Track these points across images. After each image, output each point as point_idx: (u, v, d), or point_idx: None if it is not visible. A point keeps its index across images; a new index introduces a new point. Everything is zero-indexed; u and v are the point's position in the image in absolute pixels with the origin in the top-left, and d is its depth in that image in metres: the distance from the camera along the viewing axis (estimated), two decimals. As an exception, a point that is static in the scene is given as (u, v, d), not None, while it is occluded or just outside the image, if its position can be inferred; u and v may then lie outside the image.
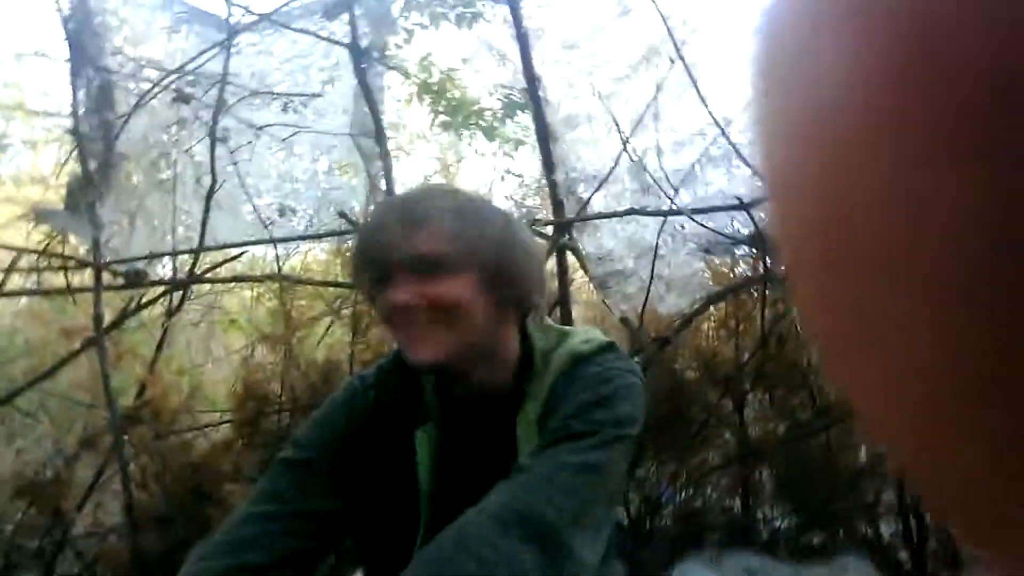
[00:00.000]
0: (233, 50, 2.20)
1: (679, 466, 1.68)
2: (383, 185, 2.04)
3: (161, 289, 1.80)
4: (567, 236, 1.74)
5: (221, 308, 1.98)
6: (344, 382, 0.94)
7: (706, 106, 1.66)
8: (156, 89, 2.08)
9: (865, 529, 1.79)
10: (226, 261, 1.91)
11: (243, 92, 2.21)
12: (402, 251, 0.74)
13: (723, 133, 1.64)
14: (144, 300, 1.76)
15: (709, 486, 1.82)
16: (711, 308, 1.65)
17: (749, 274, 1.76)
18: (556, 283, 1.73)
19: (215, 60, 2.19)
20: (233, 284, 1.90)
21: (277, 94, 2.30)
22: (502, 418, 0.80)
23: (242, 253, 1.99)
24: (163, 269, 1.97)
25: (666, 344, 1.65)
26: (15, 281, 1.73)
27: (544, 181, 1.82)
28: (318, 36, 2.24)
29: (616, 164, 1.73)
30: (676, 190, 1.66)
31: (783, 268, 0.09)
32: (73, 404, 1.63)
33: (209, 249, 1.86)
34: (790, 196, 0.08)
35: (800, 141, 0.08)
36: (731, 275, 1.75)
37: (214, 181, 1.88)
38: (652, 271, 1.58)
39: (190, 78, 2.19)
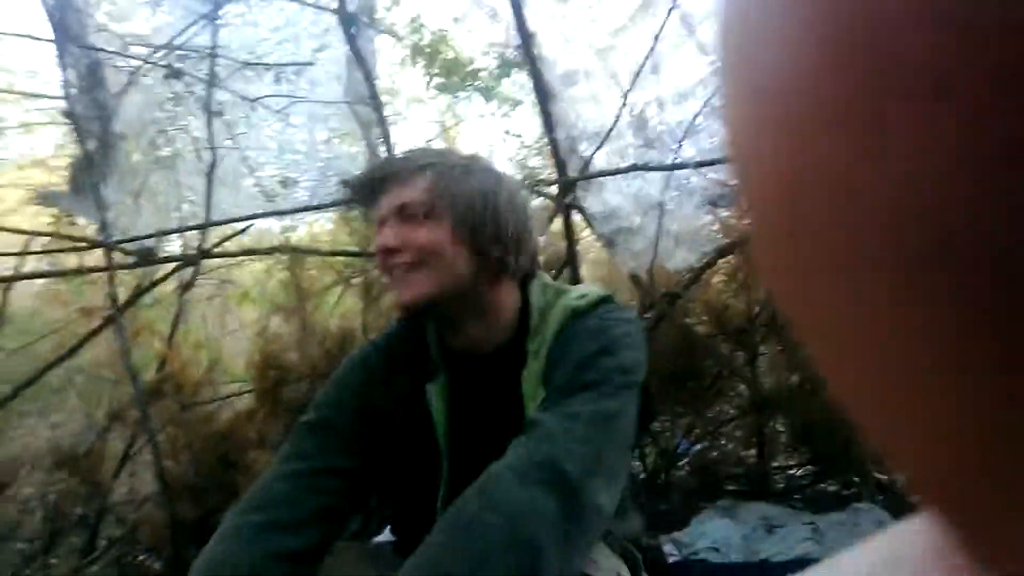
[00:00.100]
0: (220, 22, 2.15)
1: (694, 418, 1.71)
2: (383, 151, 2.03)
3: (173, 265, 1.81)
4: (572, 195, 1.74)
5: (232, 282, 2.00)
6: (358, 347, 0.98)
7: (706, 55, 1.63)
8: (147, 66, 2.05)
9: (879, 476, 1.80)
10: (235, 235, 1.92)
11: (234, 65, 2.17)
12: (391, 200, 0.81)
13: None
14: (157, 277, 1.78)
15: (724, 437, 1.84)
16: (720, 261, 1.65)
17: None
18: (564, 243, 1.73)
19: (203, 33, 2.15)
20: (243, 258, 1.91)
21: (269, 65, 2.27)
22: (506, 375, 0.83)
23: (249, 226, 2.00)
24: (171, 246, 1.99)
25: (676, 299, 1.66)
26: (30, 263, 1.75)
27: (545, 140, 1.81)
28: (304, 3, 2.19)
29: (617, 120, 1.71)
30: (680, 143, 1.65)
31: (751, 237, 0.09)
32: (97, 380, 1.68)
33: (216, 224, 1.87)
34: (746, 168, 0.08)
35: (754, 119, 0.08)
36: (739, 227, 1.74)
37: (214, 156, 1.87)
38: (659, 226, 1.58)
39: (179, 53, 2.15)
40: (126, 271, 1.74)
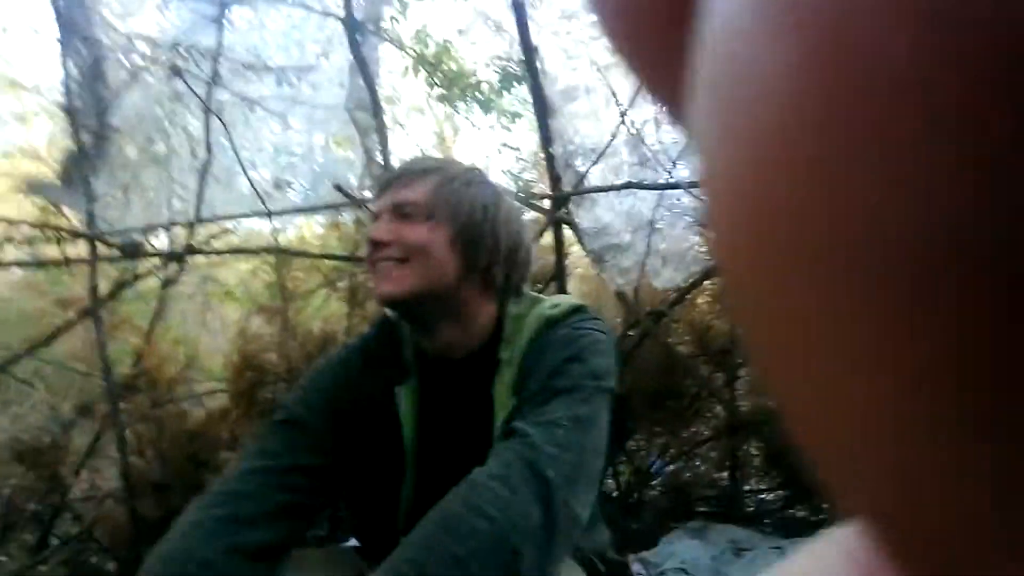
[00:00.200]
0: (225, 24, 2.17)
1: (670, 438, 1.70)
2: (380, 159, 2.03)
3: (157, 260, 1.80)
4: (564, 210, 1.74)
5: (216, 281, 1.98)
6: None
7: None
8: (149, 64, 2.06)
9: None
10: (222, 233, 1.90)
11: (237, 66, 2.18)
12: (391, 197, 0.83)
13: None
14: (140, 271, 1.76)
15: (699, 459, 1.84)
16: (706, 282, 1.65)
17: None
18: (553, 257, 1.72)
19: (208, 34, 2.17)
20: (229, 256, 1.90)
21: (271, 67, 2.28)
22: (478, 381, 0.83)
23: (237, 226, 1.99)
24: (158, 241, 1.97)
25: (661, 317, 1.65)
26: (10, 252, 1.73)
27: (541, 154, 1.81)
28: (311, 9, 2.21)
29: (614, 137, 1.72)
30: (674, 163, 1.66)
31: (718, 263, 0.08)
32: (68, 373, 1.65)
33: (205, 221, 1.86)
34: (716, 181, 0.08)
35: (726, 128, 0.08)
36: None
37: (209, 154, 1.87)
38: (648, 245, 1.58)
39: (183, 52, 2.16)
40: (110, 264, 1.72)
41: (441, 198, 0.82)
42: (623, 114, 1.75)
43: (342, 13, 2.13)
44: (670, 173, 1.69)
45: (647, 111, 1.83)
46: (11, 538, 1.38)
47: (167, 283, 1.78)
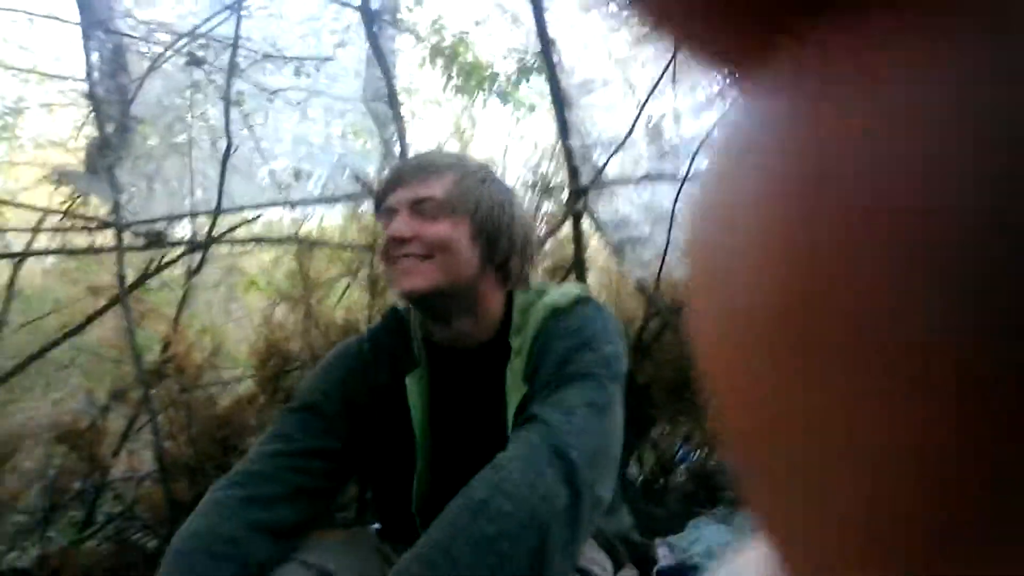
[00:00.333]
0: (244, 13, 2.18)
1: (693, 427, 1.71)
2: (397, 150, 2.04)
3: (181, 249, 1.83)
4: (582, 202, 1.74)
5: (239, 271, 2.02)
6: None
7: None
8: (169, 52, 2.08)
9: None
10: (244, 223, 1.94)
11: (255, 56, 2.20)
12: (408, 194, 0.84)
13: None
14: (165, 260, 1.80)
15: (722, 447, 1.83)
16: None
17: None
18: (571, 249, 1.74)
19: (227, 23, 2.18)
20: (252, 245, 1.93)
21: (288, 57, 2.29)
22: (488, 371, 0.85)
23: (258, 216, 2.02)
24: (182, 231, 2.00)
25: (681, 310, 1.66)
26: (42, 241, 1.77)
27: (559, 147, 1.82)
28: (329, -2, 2.21)
29: (632, 129, 1.72)
30: (694, 155, 1.66)
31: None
32: (102, 359, 1.69)
33: (227, 211, 1.89)
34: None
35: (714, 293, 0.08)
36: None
37: (229, 144, 1.89)
38: (668, 237, 1.59)
39: (202, 41, 2.18)
40: (136, 252, 1.76)
41: (461, 194, 0.83)
42: (641, 106, 1.75)
43: (359, 2, 2.13)
44: (690, 165, 1.69)
45: (665, 103, 1.82)
46: (59, 515, 1.45)
47: (192, 272, 1.82)
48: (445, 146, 2.11)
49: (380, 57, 2.15)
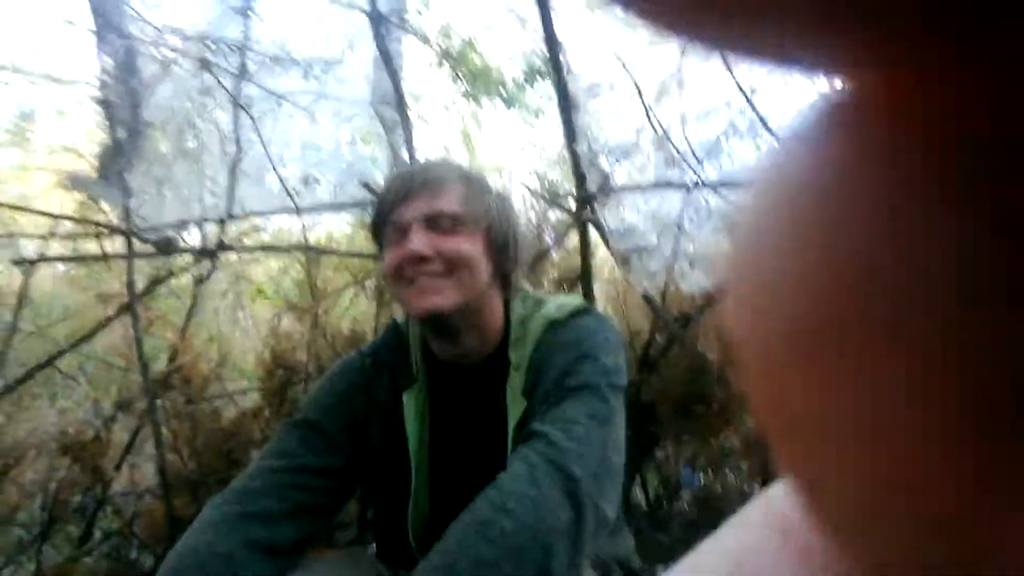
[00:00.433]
0: (252, 16, 2.18)
1: (699, 447, 1.68)
2: (404, 155, 2.03)
3: (191, 256, 1.84)
4: (589, 210, 1.72)
5: (247, 279, 2.03)
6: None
7: (732, 74, 1.60)
8: (179, 56, 2.08)
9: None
10: (252, 230, 1.94)
11: (264, 59, 2.20)
12: (421, 208, 0.80)
13: (749, 103, 1.59)
14: (174, 268, 1.81)
15: (729, 469, 1.81)
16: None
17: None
18: (578, 259, 1.71)
19: (235, 26, 2.18)
20: (260, 254, 1.93)
21: (297, 60, 2.29)
22: (489, 385, 0.83)
23: (267, 223, 2.02)
24: (191, 237, 2.01)
25: (688, 322, 1.63)
26: (53, 247, 1.79)
27: (566, 152, 1.80)
28: (336, 1, 2.20)
29: (639, 135, 1.69)
30: (701, 163, 1.63)
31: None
32: (110, 367, 1.71)
33: (236, 218, 1.89)
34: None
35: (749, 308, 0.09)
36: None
37: (239, 149, 1.90)
38: (676, 247, 1.56)
39: (210, 45, 2.18)
40: (145, 260, 1.77)
41: (473, 207, 0.82)
42: (648, 112, 1.72)
43: (367, 6, 2.12)
44: (697, 173, 1.66)
45: (672, 108, 1.79)
46: (57, 530, 1.45)
47: (200, 280, 1.83)
48: (452, 151, 2.09)
49: (388, 60, 2.14)
